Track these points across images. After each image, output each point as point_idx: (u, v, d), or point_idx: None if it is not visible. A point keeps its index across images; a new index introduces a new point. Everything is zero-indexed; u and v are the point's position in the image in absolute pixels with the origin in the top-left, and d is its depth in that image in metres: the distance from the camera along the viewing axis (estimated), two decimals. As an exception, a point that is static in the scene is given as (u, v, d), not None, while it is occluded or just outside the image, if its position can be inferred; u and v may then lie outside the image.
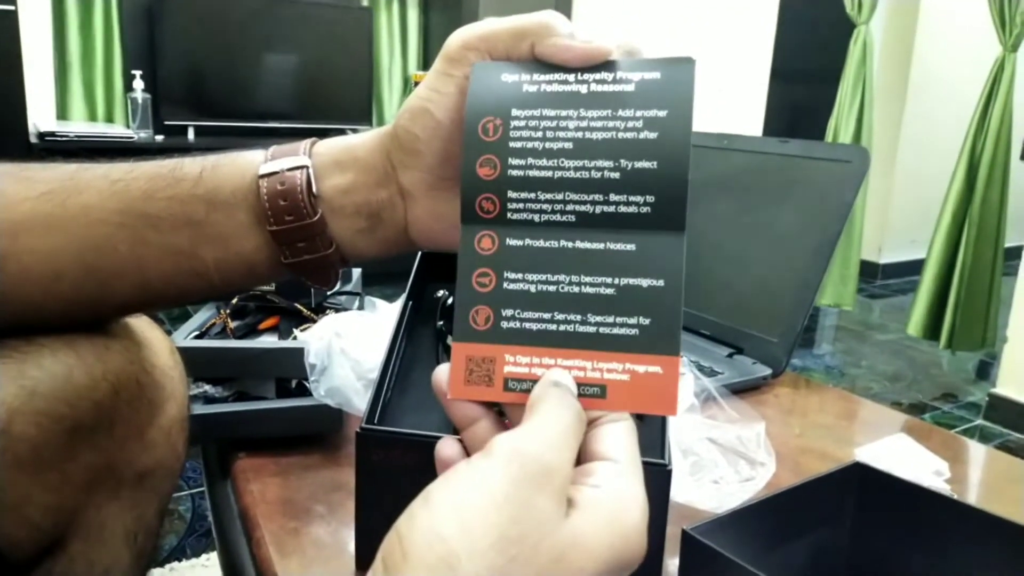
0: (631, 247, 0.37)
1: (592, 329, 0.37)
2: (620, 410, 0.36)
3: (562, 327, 0.37)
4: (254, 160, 0.45)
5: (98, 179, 0.43)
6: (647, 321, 0.36)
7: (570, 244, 0.37)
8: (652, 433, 0.51)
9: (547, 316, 0.37)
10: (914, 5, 4.21)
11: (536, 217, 0.38)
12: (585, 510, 0.31)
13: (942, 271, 3.00)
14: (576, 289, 0.37)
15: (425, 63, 3.95)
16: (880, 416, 0.91)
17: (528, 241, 0.38)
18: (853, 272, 3.42)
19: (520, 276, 0.37)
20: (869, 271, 4.32)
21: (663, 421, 0.52)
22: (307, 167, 0.44)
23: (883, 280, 4.52)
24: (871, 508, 0.52)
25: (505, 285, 0.37)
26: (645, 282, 0.37)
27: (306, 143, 0.46)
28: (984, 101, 2.90)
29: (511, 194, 0.38)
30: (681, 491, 0.61)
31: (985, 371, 3.14)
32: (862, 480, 0.52)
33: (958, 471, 0.72)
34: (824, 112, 3.50)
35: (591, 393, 0.36)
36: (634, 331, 0.36)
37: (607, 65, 0.39)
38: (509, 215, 0.38)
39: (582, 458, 0.33)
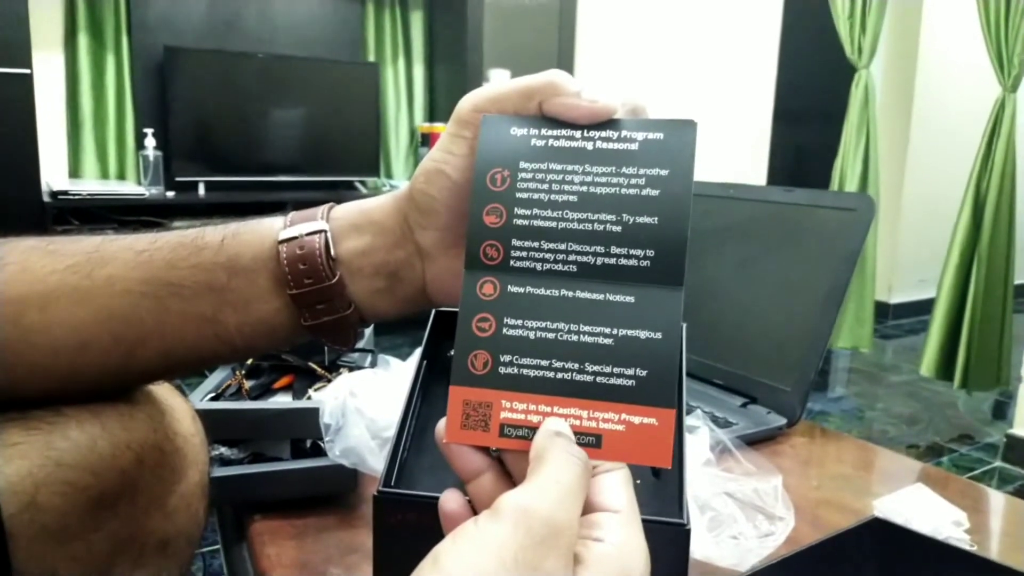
0: (630, 299, 0.38)
1: (589, 378, 0.37)
2: (615, 460, 0.36)
3: (560, 375, 0.37)
4: (273, 226, 0.46)
5: (123, 250, 0.44)
6: (644, 372, 0.37)
7: (570, 293, 0.38)
8: (669, 490, 0.51)
9: (545, 363, 0.37)
10: (913, 48, 4.26)
11: (538, 266, 0.38)
12: (591, 566, 0.31)
13: (953, 310, 2.99)
14: (575, 338, 0.37)
15: (431, 116, 4.01)
16: (897, 465, 0.90)
17: (529, 289, 0.38)
18: (868, 313, 3.41)
19: (520, 322, 0.38)
20: (880, 311, 4.30)
21: (680, 477, 0.52)
22: (325, 231, 0.45)
23: (894, 320, 4.51)
24: (892, 564, 0.52)
25: (505, 331, 0.38)
26: (643, 334, 0.37)
27: (323, 208, 0.47)
28: (987, 141, 2.92)
29: (515, 242, 0.39)
30: (700, 547, 0.60)
31: (1001, 411, 3.11)
32: (882, 535, 0.52)
33: (977, 520, 0.72)
34: (828, 154, 3.52)
35: (586, 442, 0.36)
36: (631, 382, 0.37)
37: (613, 123, 0.40)
38: (512, 263, 0.39)
39: (584, 509, 0.34)
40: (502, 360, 0.38)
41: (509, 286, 0.38)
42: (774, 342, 0.98)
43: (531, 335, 0.38)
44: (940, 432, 2.86)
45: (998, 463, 2.59)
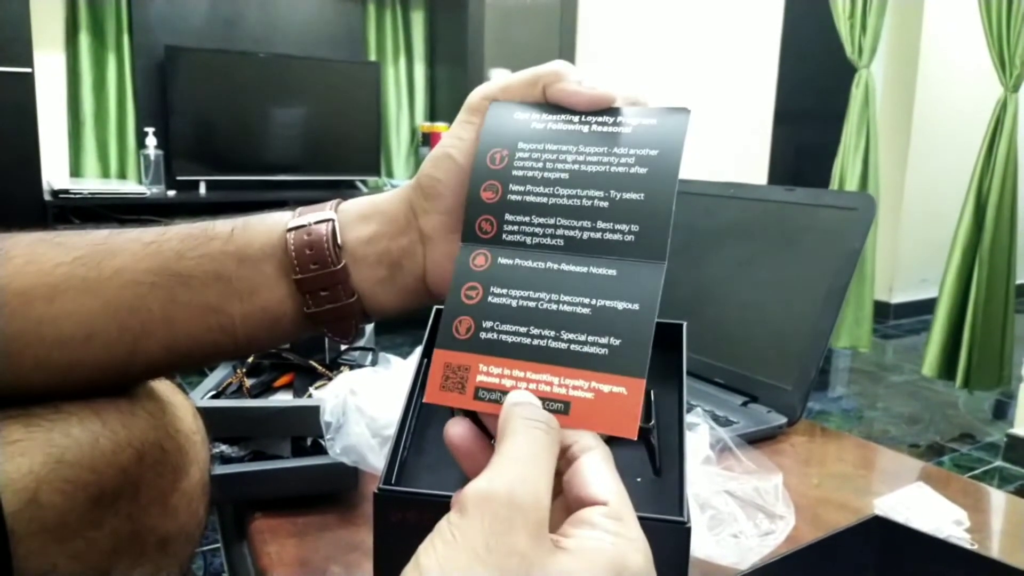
0: (612, 272, 0.39)
1: (564, 345, 0.38)
2: (581, 428, 0.36)
3: (535, 341, 0.38)
4: (283, 217, 0.47)
5: (131, 242, 0.45)
6: (617, 342, 0.37)
7: (556, 266, 0.40)
8: (670, 488, 0.51)
9: (523, 330, 0.39)
10: (914, 48, 4.26)
11: (528, 239, 0.40)
12: (582, 555, 0.31)
13: (955, 310, 2.99)
14: (554, 307, 0.39)
15: (432, 115, 4.00)
16: (898, 464, 0.90)
17: (518, 261, 0.40)
18: (867, 313, 3.41)
19: (505, 291, 0.39)
20: (881, 311, 4.31)
21: (680, 475, 0.52)
22: (333, 220, 0.46)
23: (895, 320, 4.50)
24: (893, 562, 0.52)
25: (490, 299, 0.39)
26: (621, 305, 0.38)
27: (333, 202, 0.48)
28: (988, 141, 2.92)
29: (508, 216, 0.41)
30: (700, 546, 0.60)
31: (1002, 410, 3.11)
32: (882, 533, 0.52)
33: (977, 520, 0.72)
34: (829, 154, 3.53)
35: (555, 409, 0.37)
36: (604, 351, 0.37)
37: (610, 110, 0.42)
38: (504, 236, 0.41)
39: (570, 506, 0.34)
40: (484, 326, 0.39)
41: (499, 258, 0.40)
42: (775, 341, 0.98)
43: (513, 303, 0.39)
44: (941, 432, 2.86)
45: (999, 462, 2.59)
